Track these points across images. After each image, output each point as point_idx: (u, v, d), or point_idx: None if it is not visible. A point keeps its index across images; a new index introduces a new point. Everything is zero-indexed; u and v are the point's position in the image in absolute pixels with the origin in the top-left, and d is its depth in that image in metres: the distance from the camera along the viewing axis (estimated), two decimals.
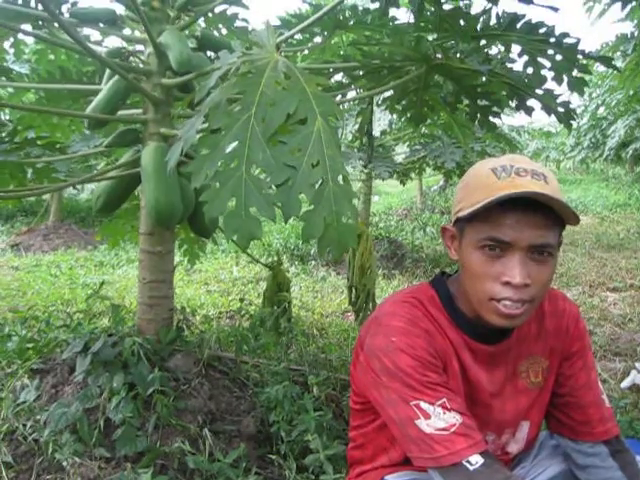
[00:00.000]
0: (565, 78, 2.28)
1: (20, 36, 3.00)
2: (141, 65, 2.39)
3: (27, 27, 2.34)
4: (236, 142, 1.35)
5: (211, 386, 2.30)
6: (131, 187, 2.53)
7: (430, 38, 2.31)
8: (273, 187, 1.35)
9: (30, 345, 2.55)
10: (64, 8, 2.34)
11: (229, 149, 1.36)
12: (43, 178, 2.78)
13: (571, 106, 2.36)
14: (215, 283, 5.50)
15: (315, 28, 2.77)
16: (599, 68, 9.37)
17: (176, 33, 2.21)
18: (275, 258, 3.38)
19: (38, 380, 2.24)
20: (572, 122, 2.42)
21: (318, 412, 2.08)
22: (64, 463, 1.87)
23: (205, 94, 1.55)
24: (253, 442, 2.17)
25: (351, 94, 2.87)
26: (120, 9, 2.46)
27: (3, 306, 4.42)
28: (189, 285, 5.35)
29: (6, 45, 2.96)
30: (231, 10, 2.78)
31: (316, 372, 2.51)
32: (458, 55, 2.22)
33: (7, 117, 5.05)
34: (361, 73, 2.44)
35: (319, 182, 1.35)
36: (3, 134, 2.59)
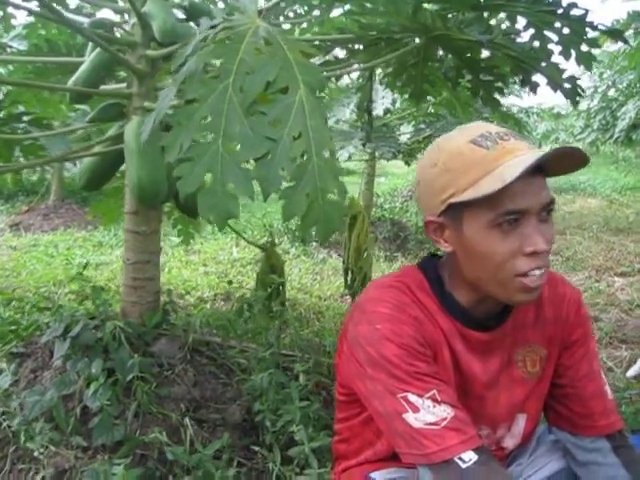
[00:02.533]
0: (573, 53, 2.16)
1: (10, 10, 2.94)
2: (125, 36, 2.28)
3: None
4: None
5: (196, 372, 2.21)
6: (117, 164, 2.43)
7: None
8: (251, 161, 1.26)
9: (12, 328, 2.48)
10: None
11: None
12: (30, 156, 2.70)
13: (578, 82, 2.24)
14: (214, 264, 5.40)
15: (313, 0, 2.67)
16: (610, 47, 9.19)
17: (160, 2, 2.10)
18: (270, 239, 3.29)
19: (16, 364, 2.16)
20: (579, 98, 2.30)
21: (304, 401, 1.99)
22: (35, 453, 1.78)
23: (182, 62, 1.45)
24: (239, 431, 2.08)
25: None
26: None
27: None
28: (187, 266, 5.27)
29: None
30: None
31: (307, 358, 2.41)
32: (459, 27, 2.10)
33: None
34: (359, 47, 2.34)
35: (303, 156, 1.25)
36: None
